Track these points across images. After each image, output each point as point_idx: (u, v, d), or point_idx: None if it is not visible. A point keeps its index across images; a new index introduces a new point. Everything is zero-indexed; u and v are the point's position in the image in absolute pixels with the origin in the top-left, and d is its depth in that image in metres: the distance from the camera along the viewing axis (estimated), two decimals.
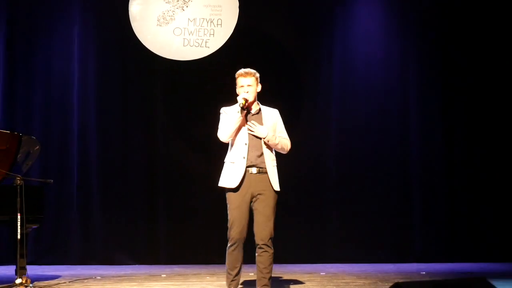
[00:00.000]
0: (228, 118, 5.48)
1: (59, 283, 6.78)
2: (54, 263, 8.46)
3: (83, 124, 8.75)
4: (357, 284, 6.70)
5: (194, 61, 8.49)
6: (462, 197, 9.01)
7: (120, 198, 8.74)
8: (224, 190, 5.50)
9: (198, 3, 8.43)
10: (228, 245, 5.46)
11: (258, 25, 8.98)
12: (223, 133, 5.49)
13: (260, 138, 5.45)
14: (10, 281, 6.40)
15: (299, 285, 6.66)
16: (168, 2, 8.38)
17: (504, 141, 9.03)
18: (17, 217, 6.06)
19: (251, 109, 5.53)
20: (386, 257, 8.77)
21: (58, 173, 8.59)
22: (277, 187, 5.47)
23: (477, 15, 9.10)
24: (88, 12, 8.81)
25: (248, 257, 5.53)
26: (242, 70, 5.53)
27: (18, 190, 6.09)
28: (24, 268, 6.18)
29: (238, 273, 5.46)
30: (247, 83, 5.47)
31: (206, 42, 8.42)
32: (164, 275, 7.48)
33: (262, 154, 5.45)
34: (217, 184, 5.54)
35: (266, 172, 5.44)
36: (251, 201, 5.44)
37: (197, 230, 8.68)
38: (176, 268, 8.21)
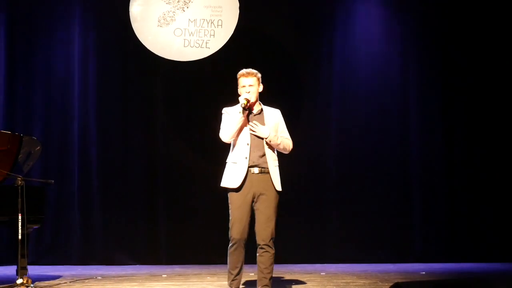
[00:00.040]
0: (230, 119, 5.49)
1: (60, 283, 6.79)
2: (55, 263, 8.46)
3: (84, 124, 8.76)
4: (357, 284, 6.71)
5: (195, 61, 8.49)
6: (462, 197, 9.02)
7: (121, 198, 8.75)
8: (226, 190, 5.52)
9: (199, 4, 8.44)
10: (229, 245, 5.47)
11: (259, 26, 8.98)
12: (225, 134, 5.50)
13: (262, 138, 5.47)
14: (11, 281, 6.41)
15: (300, 285, 6.67)
16: (169, 3, 8.39)
17: (504, 141, 9.04)
18: (18, 217, 6.07)
19: (253, 109, 5.54)
20: (386, 257, 8.78)
21: (58, 173, 8.60)
22: (279, 187, 5.49)
23: (477, 15, 9.10)
24: (88, 12, 8.81)
25: (249, 257, 5.54)
26: (244, 70, 5.55)
27: (19, 190, 6.10)
28: (25, 268, 6.19)
29: (239, 273, 5.47)
30: (249, 83, 5.49)
31: (206, 42, 8.42)
32: (165, 275, 7.49)
33: (264, 154, 5.47)
34: (218, 184, 5.56)
35: (268, 172, 5.45)
36: (252, 201, 5.46)
37: (198, 230, 8.68)
38: (177, 268, 8.22)
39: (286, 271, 7.64)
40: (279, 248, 5.59)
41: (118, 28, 8.77)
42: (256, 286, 5.55)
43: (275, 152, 5.57)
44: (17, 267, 6.20)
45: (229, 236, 5.47)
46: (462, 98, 9.09)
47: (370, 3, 9.18)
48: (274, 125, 5.55)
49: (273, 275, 5.53)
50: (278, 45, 9.02)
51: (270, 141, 5.47)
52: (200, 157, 8.86)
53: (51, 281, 6.94)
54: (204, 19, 8.44)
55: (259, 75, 5.57)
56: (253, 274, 6.44)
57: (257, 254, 5.47)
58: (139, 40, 8.41)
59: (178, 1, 8.39)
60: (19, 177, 6.16)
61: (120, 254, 8.65)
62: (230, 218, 5.48)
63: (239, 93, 5.53)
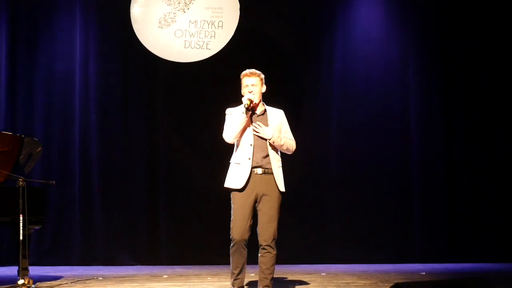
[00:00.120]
0: (234, 119, 5.50)
1: (61, 284, 6.80)
2: (56, 264, 8.47)
3: (85, 125, 8.77)
4: (357, 284, 6.72)
5: (195, 63, 8.50)
6: (462, 197, 9.03)
7: (121, 198, 8.76)
8: (229, 191, 5.53)
9: (199, 5, 8.45)
10: (231, 244, 5.49)
11: (259, 27, 9.00)
12: (229, 134, 5.52)
13: (266, 139, 5.48)
14: (12, 281, 6.44)
15: (300, 285, 6.69)
16: (169, 4, 8.40)
17: (504, 141, 9.05)
18: (19, 218, 6.08)
19: (256, 110, 5.55)
20: (386, 258, 8.80)
21: (59, 174, 8.62)
22: (282, 188, 5.50)
23: (477, 15, 9.11)
24: (89, 14, 8.83)
25: (250, 258, 5.55)
26: (247, 70, 5.57)
27: (20, 191, 6.11)
28: (27, 269, 6.19)
29: (240, 272, 5.48)
30: (252, 83, 5.50)
31: (207, 44, 8.44)
32: (166, 276, 7.50)
33: (267, 155, 5.48)
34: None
35: (271, 173, 5.47)
36: (255, 202, 5.47)
37: (198, 230, 8.70)
38: (178, 269, 8.24)
39: (286, 272, 7.65)
40: (280, 249, 5.60)
41: (119, 29, 8.78)
42: (257, 286, 5.57)
43: (279, 153, 5.59)
44: (19, 267, 6.20)
45: (230, 236, 5.49)
46: (462, 98, 9.11)
47: (370, 4, 9.20)
48: (277, 126, 5.57)
49: (274, 276, 5.54)
50: (278, 46, 9.04)
51: (273, 142, 5.48)
52: (200, 158, 8.88)
53: (52, 281, 6.95)
54: (205, 20, 8.46)
55: (263, 75, 5.59)
56: (253, 274, 6.45)
57: (259, 255, 5.49)
58: (139, 41, 8.43)
59: (179, 3, 8.41)
60: (20, 178, 6.17)
61: (121, 255, 8.67)
62: (232, 218, 5.49)
63: (242, 93, 5.55)
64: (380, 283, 6.74)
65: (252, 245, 5.53)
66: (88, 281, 7.03)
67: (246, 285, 6.02)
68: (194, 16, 8.44)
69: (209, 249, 8.61)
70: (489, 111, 9.08)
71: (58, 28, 8.83)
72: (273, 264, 5.48)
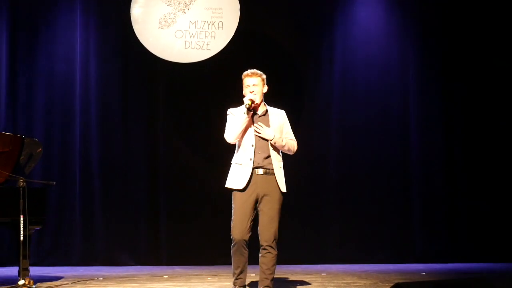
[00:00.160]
0: (235, 119, 5.50)
1: (62, 284, 6.80)
2: (57, 264, 8.47)
3: (85, 126, 8.77)
4: (358, 284, 6.73)
5: (196, 63, 8.51)
6: (462, 197, 9.04)
7: (122, 199, 8.77)
8: (230, 191, 5.53)
9: (200, 6, 8.46)
10: (231, 244, 5.49)
11: (259, 27, 9.01)
12: (230, 135, 5.52)
13: (267, 140, 5.49)
14: (13, 282, 6.44)
15: (301, 285, 6.69)
16: (170, 5, 8.41)
17: (504, 141, 9.06)
18: (19, 219, 6.08)
19: (257, 110, 5.56)
20: (386, 258, 8.81)
21: (60, 174, 8.62)
22: (283, 189, 5.51)
23: (477, 15, 9.12)
24: (89, 14, 8.82)
25: (250, 258, 5.55)
26: (249, 71, 5.58)
27: (21, 192, 6.11)
28: (27, 270, 6.19)
29: (241, 272, 5.48)
30: (253, 83, 5.51)
31: (207, 44, 8.45)
32: (166, 276, 7.51)
33: (269, 156, 5.48)
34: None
35: (273, 173, 5.48)
36: (256, 202, 5.47)
37: (199, 231, 8.70)
38: (178, 269, 8.24)
39: (287, 272, 7.66)
40: (280, 249, 5.61)
41: (119, 30, 8.79)
42: (257, 286, 5.57)
43: (280, 153, 5.59)
44: (19, 268, 6.20)
45: (231, 236, 5.49)
46: (462, 98, 9.12)
47: (370, 5, 9.20)
48: (279, 126, 5.57)
49: (275, 276, 5.55)
50: (278, 46, 9.05)
51: (274, 143, 5.49)
52: (201, 158, 8.88)
53: (53, 282, 6.95)
54: (205, 21, 8.46)
55: (264, 76, 5.59)
56: (254, 274, 6.46)
57: (260, 255, 5.49)
58: (140, 42, 8.43)
59: (179, 3, 8.42)
60: (21, 179, 6.18)
61: (122, 255, 8.67)
62: (232, 217, 5.50)
63: (244, 93, 5.55)
64: (381, 283, 6.75)
65: (253, 245, 5.53)
66: (88, 282, 7.04)
67: (247, 285, 6.02)
68: (194, 17, 8.45)
69: (209, 249, 8.61)
70: (489, 111, 9.09)
71: (58, 28, 8.82)
72: (274, 265, 5.49)
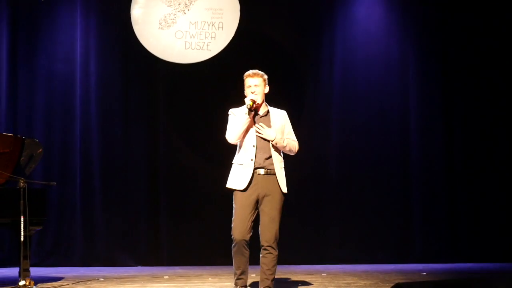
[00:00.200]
0: (236, 120, 5.50)
1: (62, 285, 6.81)
2: (57, 265, 8.48)
3: (85, 126, 8.78)
4: (358, 285, 6.73)
5: (196, 64, 8.52)
6: (462, 197, 9.04)
7: (122, 199, 8.77)
8: (231, 191, 5.54)
9: (200, 6, 8.47)
10: (232, 245, 5.50)
11: (259, 27, 9.01)
12: (231, 135, 5.52)
13: (268, 141, 5.49)
14: (13, 283, 6.44)
15: (301, 286, 6.69)
16: (170, 6, 8.42)
17: (504, 141, 9.06)
18: (20, 219, 6.09)
19: (259, 110, 5.56)
20: (386, 258, 8.81)
21: (60, 175, 8.63)
22: (284, 189, 5.51)
23: (477, 15, 9.13)
24: (90, 15, 8.83)
25: (251, 258, 5.55)
26: (250, 71, 5.58)
27: (21, 192, 6.11)
28: (28, 270, 6.20)
29: (242, 273, 5.48)
30: (254, 83, 5.50)
31: (207, 45, 8.45)
32: (167, 277, 7.51)
33: (270, 156, 5.48)
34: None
35: (274, 174, 5.48)
36: (257, 202, 5.47)
37: (200, 231, 8.71)
38: (179, 270, 8.25)
39: (287, 272, 7.66)
40: (280, 249, 5.61)
41: (119, 30, 8.79)
42: (258, 287, 5.58)
43: (281, 154, 5.59)
44: (20, 269, 6.20)
45: (231, 236, 5.49)
46: (462, 98, 9.12)
47: (370, 4, 9.21)
48: (280, 127, 5.57)
49: (275, 276, 5.55)
50: (278, 46, 9.05)
51: (276, 144, 5.49)
52: (201, 158, 8.89)
53: (54, 282, 6.96)
54: (205, 22, 8.47)
55: (266, 76, 5.59)
56: (254, 275, 6.46)
57: (260, 255, 5.49)
58: (140, 43, 8.44)
59: (179, 4, 8.42)
60: (21, 180, 6.18)
61: (122, 256, 8.68)
62: (233, 218, 5.50)
63: (245, 94, 5.55)
64: (381, 283, 6.75)
65: (253, 245, 5.53)
66: (89, 282, 7.04)
67: (249, 285, 6.03)
68: (194, 17, 8.45)
69: (210, 249, 8.62)
70: (489, 111, 9.09)
71: (58, 28, 8.83)
72: (275, 265, 5.49)
